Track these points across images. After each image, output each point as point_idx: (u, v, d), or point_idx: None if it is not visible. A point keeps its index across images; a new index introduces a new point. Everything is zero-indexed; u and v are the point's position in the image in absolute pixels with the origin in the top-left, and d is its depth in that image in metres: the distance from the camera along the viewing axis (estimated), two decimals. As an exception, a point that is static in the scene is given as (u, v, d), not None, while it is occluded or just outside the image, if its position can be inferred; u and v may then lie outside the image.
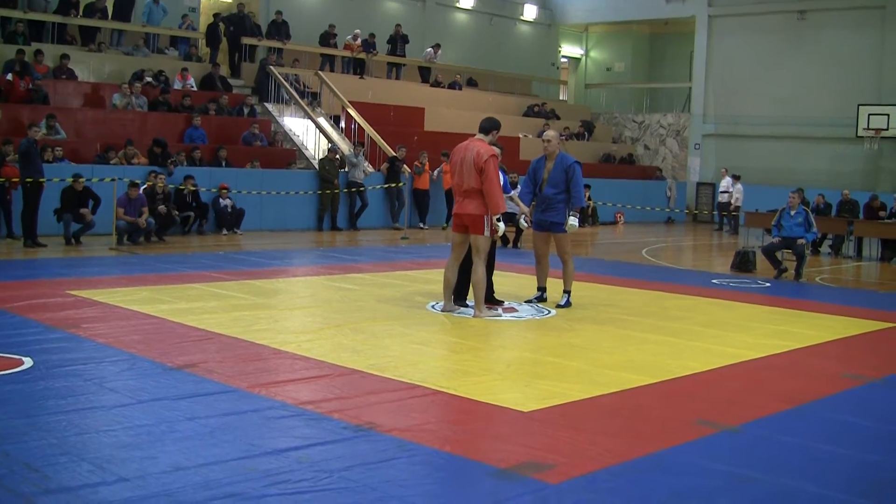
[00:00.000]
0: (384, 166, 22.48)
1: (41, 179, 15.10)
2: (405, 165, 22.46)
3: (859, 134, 27.66)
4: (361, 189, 21.49)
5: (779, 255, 15.49)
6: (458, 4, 33.00)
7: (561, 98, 37.59)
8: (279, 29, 26.02)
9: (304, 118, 23.62)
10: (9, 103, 18.59)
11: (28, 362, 6.93)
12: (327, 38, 27.22)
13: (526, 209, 11.31)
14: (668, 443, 5.69)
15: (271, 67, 23.97)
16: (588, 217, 25.94)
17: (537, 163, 11.02)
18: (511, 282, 12.51)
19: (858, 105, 27.61)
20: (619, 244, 22.46)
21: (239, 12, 25.19)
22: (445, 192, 21.45)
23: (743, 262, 16.20)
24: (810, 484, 5.05)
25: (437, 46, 30.28)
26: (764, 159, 30.64)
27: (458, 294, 10.28)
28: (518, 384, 7.00)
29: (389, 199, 22.47)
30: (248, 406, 6.07)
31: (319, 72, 25.33)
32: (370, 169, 22.33)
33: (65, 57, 20.80)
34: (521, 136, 29.19)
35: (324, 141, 22.61)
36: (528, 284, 11.71)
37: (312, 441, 5.40)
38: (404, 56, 29.57)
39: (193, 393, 6.33)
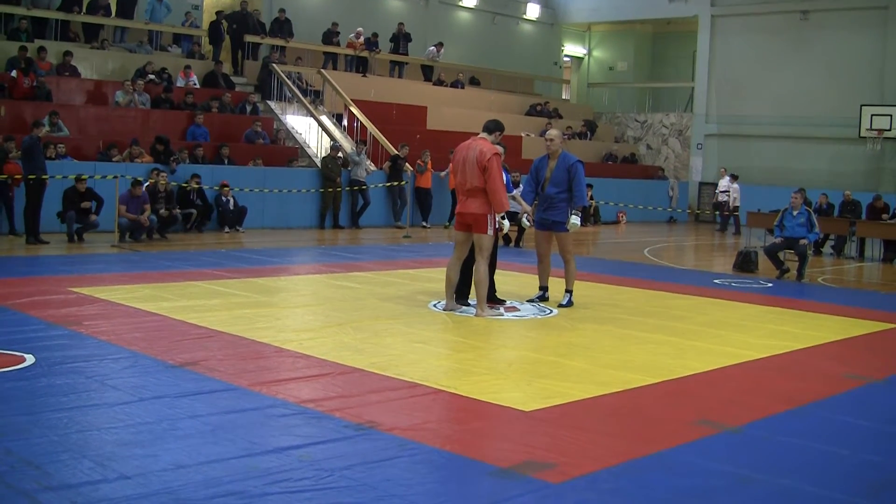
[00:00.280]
0: (386, 165, 22.48)
1: (44, 177, 15.11)
2: (407, 164, 22.46)
3: (862, 134, 27.64)
4: (364, 187, 21.50)
5: (781, 255, 15.49)
6: (460, 3, 32.99)
7: (563, 97, 37.60)
8: (282, 27, 26.02)
9: (306, 116, 23.63)
10: (12, 100, 18.60)
11: (30, 359, 6.93)
12: (330, 37, 27.22)
13: (528, 208, 11.30)
14: (668, 443, 5.69)
15: (274, 65, 23.97)
16: (590, 216, 25.94)
17: (540, 162, 11.01)
18: (513, 281, 12.51)
19: (861, 105, 27.59)
20: (620, 244, 22.45)
21: (242, 10, 25.18)
22: (451, 192, 21.44)
23: (745, 263, 16.19)
24: (811, 484, 5.05)
25: (439, 45, 30.27)
26: (766, 159, 30.63)
27: (459, 293, 10.28)
28: (519, 383, 7.00)
29: (391, 197, 22.47)
30: (250, 404, 6.07)
31: (322, 70, 25.34)
32: (372, 167, 22.34)
33: (68, 54, 20.81)
34: (523, 135, 29.19)
35: (326, 139, 22.61)
36: (530, 283, 11.71)
37: (313, 439, 5.40)
38: (407, 54, 29.57)
39: (195, 391, 6.33)
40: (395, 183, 22.01)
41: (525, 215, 11.46)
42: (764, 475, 5.15)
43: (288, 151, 22.19)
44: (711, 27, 32.31)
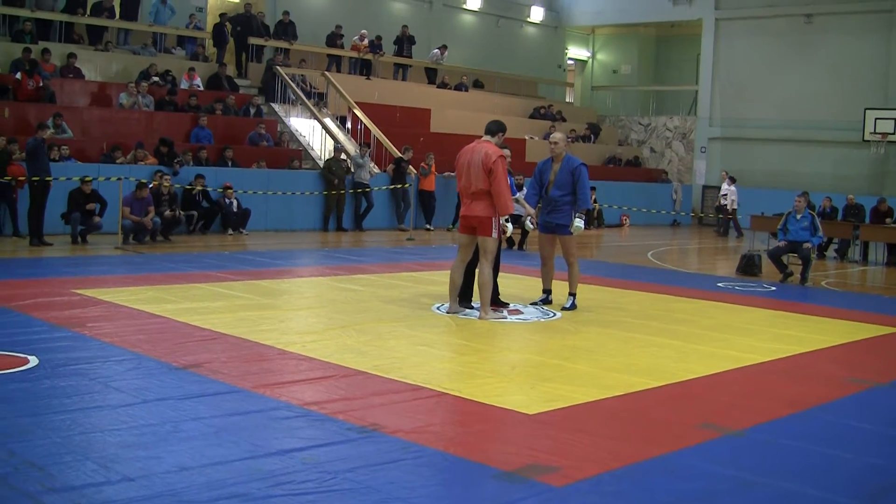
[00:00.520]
0: (390, 167, 22.49)
1: (48, 178, 15.12)
2: (411, 166, 22.46)
3: (866, 138, 27.59)
4: (367, 190, 21.50)
5: (784, 258, 15.48)
6: (464, 6, 33.00)
7: (567, 100, 37.61)
8: (286, 29, 26.04)
9: (310, 119, 23.64)
10: (16, 102, 18.62)
11: (33, 361, 6.94)
12: (334, 39, 27.24)
13: (532, 211, 11.29)
14: (672, 446, 5.69)
15: (278, 68, 23.99)
16: (594, 219, 25.94)
17: (544, 165, 11.02)
18: (516, 284, 12.51)
19: (865, 109, 27.55)
20: (624, 247, 22.44)
21: (246, 12, 25.21)
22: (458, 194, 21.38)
23: (748, 266, 16.18)
24: (814, 488, 5.05)
25: (443, 48, 30.27)
26: (770, 163, 30.61)
27: (463, 295, 10.28)
28: (523, 386, 7.00)
29: (395, 200, 22.47)
30: (253, 406, 6.07)
31: (326, 72, 25.35)
32: (376, 170, 22.34)
33: (72, 56, 20.84)
34: (526, 137, 29.20)
35: (330, 141, 22.62)
36: (534, 286, 11.71)
37: (317, 442, 5.40)
38: (411, 57, 29.58)
39: (198, 393, 6.33)
40: (399, 185, 22.01)
41: (529, 218, 11.45)
42: (767, 479, 5.15)
43: (291, 154, 22.18)
44: (715, 30, 32.30)
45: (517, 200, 11.21)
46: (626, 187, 29.91)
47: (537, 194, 11.04)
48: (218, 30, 24.80)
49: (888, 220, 20.43)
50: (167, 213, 16.83)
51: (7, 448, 4.96)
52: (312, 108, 23.51)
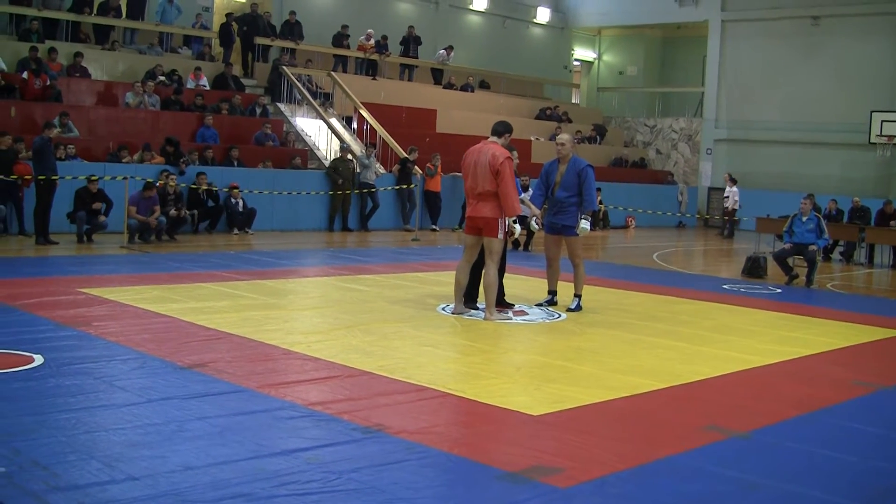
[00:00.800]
0: (396, 168, 22.49)
1: (54, 177, 15.14)
2: (417, 167, 22.46)
3: (872, 140, 27.55)
4: (373, 190, 21.51)
5: (790, 261, 15.46)
6: (471, 6, 32.99)
7: (573, 101, 37.58)
8: (292, 29, 26.06)
9: (316, 119, 23.65)
10: (22, 101, 18.64)
11: (38, 360, 6.95)
12: (340, 39, 27.25)
13: (537, 212, 11.28)
14: (677, 448, 5.68)
15: (284, 67, 24.00)
16: (599, 221, 25.92)
17: (550, 166, 11.01)
18: (522, 285, 12.51)
19: (871, 111, 27.50)
20: (629, 248, 22.44)
21: (252, 12, 25.22)
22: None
23: (754, 268, 16.16)
24: (819, 490, 5.04)
25: (449, 48, 30.27)
26: (776, 165, 30.57)
27: (468, 296, 10.28)
28: (528, 388, 7.00)
29: (401, 200, 22.48)
30: (258, 406, 6.08)
31: (332, 72, 25.34)
32: (381, 170, 22.34)
33: (78, 55, 20.87)
34: (532, 138, 29.18)
35: (335, 142, 22.63)
36: (539, 287, 11.70)
37: (321, 442, 5.40)
38: (417, 57, 29.59)
39: (203, 392, 6.34)
40: (405, 186, 22.01)
41: (534, 219, 11.45)
42: (771, 481, 5.14)
43: (297, 154, 22.17)
44: (722, 32, 32.25)
45: (522, 201, 11.19)
46: (632, 189, 29.89)
47: (543, 195, 11.04)
48: (224, 29, 24.80)
49: (892, 222, 20.36)
50: (172, 212, 16.84)
51: (12, 447, 4.96)
52: (318, 108, 23.52)
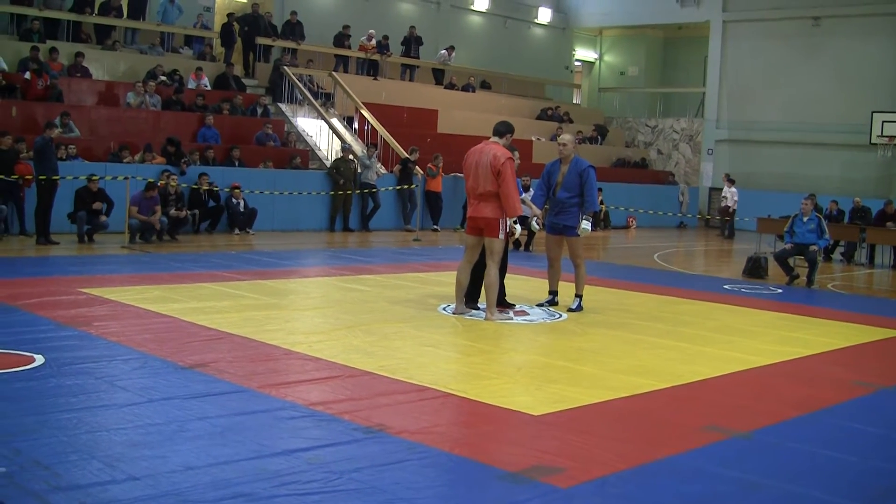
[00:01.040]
0: (397, 168, 22.49)
1: (55, 178, 15.15)
2: (418, 167, 22.46)
3: (873, 141, 27.55)
4: (374, 190, 21.51)
5: (791, 261, 15.46)
6: (472, 7, 32.98)
7: (574, 102, 37.59)
8: (293, 29, 26.06)
9: (317, 119, 23.65)
10: (23, 101, 18.64)
11: (39, 360, 6.95)
12: (341, 39, 27.25)
13: (538, 212, 11.28)
14: (677, 448, 5.69)
15: (285, 68, 24.00)
16: (600, 221, 25.92)
17: (552, 166, 11.01)
18: (523, 285, 12.51)
19: (872, 112, 27.50)
20: (630, 248, 22.43)
21: (253, 12, 25.23)
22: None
23: (755, 268, 16.16)
24: (819, 491, 5.04)
25: (451, 48, 30.27)
26: (777, 165, 30.57)
27: (469, 296, 10.28)
28: (529, 388, 7.00)
29: (402, 200, 22.47)
30: (259, 406, 6.08)
31: (333, 73, 25.34)
32: (383, 170, 22.33)
33: (79, 55, 20.87)
34: (533, 139, 29.18)
35: (337, 142, 22.63)
36: (540, 288, 11.70)
37: (322, 442, 5.40)
38: (418, 58, 29.59)
39: (204, 392, 6.34)
40: (406, 186, 22.02)
41: (535, 219, 11.45)
42: (772, 481, 5.14)
43: (299, 154, 22.17)
44: (723, 32, 32.25)
45: (523, 202, 11.20)
46: (633, 189, 29.89)
47: (544, 195, 11.03)
48: (225, 29, 24.82)
49: (889, 224, 20.28)
50: (172, 212, 16.84)
51: (13, 447, 4.97)
52: (319, 108, 23.52)
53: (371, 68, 27.73)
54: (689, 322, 10.57)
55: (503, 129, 9.96)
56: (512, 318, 10.04)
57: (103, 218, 15.92)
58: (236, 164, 20.04)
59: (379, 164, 22.22)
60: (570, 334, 9.45)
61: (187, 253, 15.12)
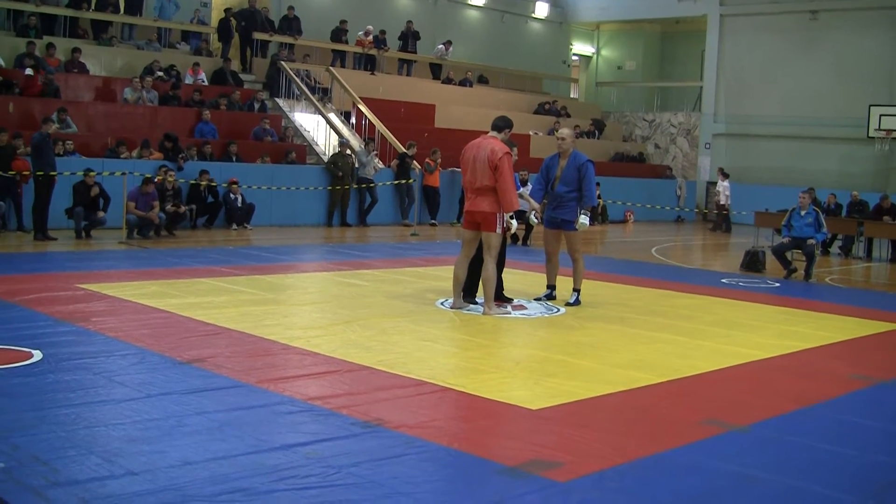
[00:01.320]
0: (394, 163, 22.49)
1: (53, 173, 15.13)
2: (415, 162, 22.45)
3: (870, 135, 27.58)
4: (371, 185, 21.50)
5: (789, 255, 15.47)
6: (469, 1, 32.98)
7: (572, 96, 37.60)
8: (290, 24, 26.04)
9: (314, 114, 23.63)
10: (20, 96, 18.62)
11: (37, 355, 6.94)
12: (339, 34, 27.22)
13: (536, 206, 11.28)
14: (675, 442, 5.68)
15: (282, 63, 23.98)
16: (598, 215, 25.92)
17: (550, 160, 11.00)
18: (520, 279, 12.51)
19: (870, 106, 27.53)
20: (628, 243, 22.44)
21: (250, 7, 25.19)
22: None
23: (752, 262, 16.16)
24: (817, 485, 5.04)
25: (448, 43, 30.26)
26: (774, 159, 30.59)
27: (467, 291, 10.28)
28: (527, 382, 7.00)
29: (399, 195, 22.47)
30: (257, 401, 6.08)
31: (330, 67, 25.32)
32: (380, 165, 22.32)
33: (76, 50, 20.85)
34: (531, 133, 29.17)
35: (334, 137, 22.61)
36: (538, 282, 11.70)
37: (320, 437, 5.40)
38: (415, 52, 29.56)
39: (202, 387, 6.34)
40: (403, 181, 22.01)
41: (533, 213, 11.44)
42: (771, 475, 5.14)
43: (296, 149, 22.16)
44: (720, 27, 32.26)
45: (521, 196, 11.18)
46: (631, 183, 29.88)
47: (543, 189, 11.02)
48: (223, 25, 24.78)
49: (885, 217, 20.25)
50: (169, 207, 16.84)
51: (11, 442, 4.96)
52: (317, 103, 23.50)
53: (368, 63, 27.72)
54: (686, 316, 10.56)
55: (502, 125, 9.96)
56: (510, 313, 10.04)
57: (101, 214, 15.91)
58: (234, 159, 20.02)
59: (376, 159, 22.21)
60: (568, 328, 9.45)
61: (185, 248, 15.10)
